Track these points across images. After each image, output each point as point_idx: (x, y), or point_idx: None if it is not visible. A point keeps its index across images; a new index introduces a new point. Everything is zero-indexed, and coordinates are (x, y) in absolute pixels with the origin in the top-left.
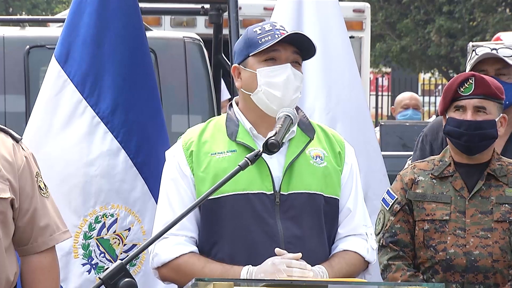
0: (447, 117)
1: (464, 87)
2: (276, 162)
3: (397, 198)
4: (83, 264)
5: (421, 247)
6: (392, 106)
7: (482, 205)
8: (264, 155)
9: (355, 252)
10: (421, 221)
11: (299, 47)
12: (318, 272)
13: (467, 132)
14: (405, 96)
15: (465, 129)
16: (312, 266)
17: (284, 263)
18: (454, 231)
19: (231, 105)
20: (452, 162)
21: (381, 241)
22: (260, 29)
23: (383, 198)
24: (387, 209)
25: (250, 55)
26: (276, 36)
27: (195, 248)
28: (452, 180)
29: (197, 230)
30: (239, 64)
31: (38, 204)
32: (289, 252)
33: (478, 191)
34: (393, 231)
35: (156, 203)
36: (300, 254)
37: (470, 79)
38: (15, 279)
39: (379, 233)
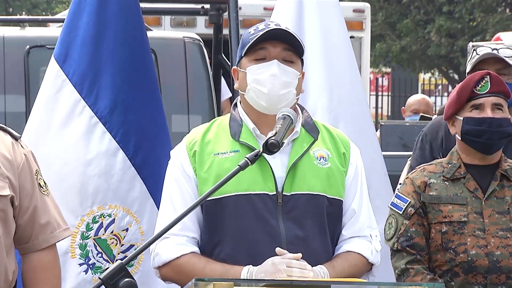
0: (461, 118)
1: (480, 85)
2: (279, 163)
3: (410, 202)
4: (80, 264)
5: (438, 250)
6: (403, 107)
7: (498, 206)
8: (267, 156)
9: (358, 253)
10: (438, 223)
11: (291, 44)
12: (319, 273)
13: (490, 129)
14: (416, 100)
15: (488, 126)
16: (314, 267)
17: (284, 263)
18: (473, 232)
19: (235, 105)
20: (462, 164)
21: (395, 246)
22: (254, 29)
23: (393, 202)
24: (400, 213)
25: (242, 56)
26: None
27: (196, 249)
28: (464, 182)
29: (199, 230)
30: (236, 66)
31: (38, 202)
32: (291, 253)
33: (493, 192)
34: (409, 234)
35: (155, 203)
36: (300, 254)
37: (485, 77)
38: (14, 278)
39: (391, 238)
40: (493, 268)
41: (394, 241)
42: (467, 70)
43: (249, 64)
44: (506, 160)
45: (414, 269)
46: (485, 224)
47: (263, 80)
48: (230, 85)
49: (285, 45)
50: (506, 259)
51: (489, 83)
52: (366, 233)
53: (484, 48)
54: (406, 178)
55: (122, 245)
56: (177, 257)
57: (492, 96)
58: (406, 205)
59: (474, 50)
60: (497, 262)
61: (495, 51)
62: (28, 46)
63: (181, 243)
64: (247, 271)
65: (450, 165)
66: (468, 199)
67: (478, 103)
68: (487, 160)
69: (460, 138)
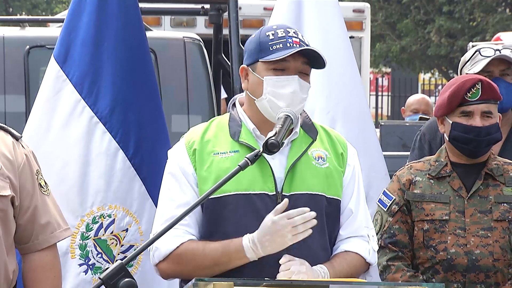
0: (450, 121)
1: (471, 92)
2: (278, 163)
3: (394, 199)
4: (80, 265)
5: (420, 247)
6: (403, 107)
7: (481, 205)
8: (266, 156)
9: (356, 253)
10: (420, 221)
11: (309, 57)
12: (320, 272)
13: (477, 138)
14: (415, 100)
15: (475, 135)
16: (314, 266)
17: (285, 217)
18: (454, 231)
19: (234, 105)
20: (448, 162)
21: (379, 242)
22: (273, 34)
23: (379, 199)
24: (385, 210)
25: (259, 60)
26: (288, 45)
27: (193, 236)
28: (449, 180)
29: (197, 228)
30: (248, 66)
31: (39, 202)
32: (291, 254)
33: (477, 191)
34: (392, 232)
35: (154, 203)
36: (286, 200)
37: (477, 84)
38: (15, 278)
39: (376, 234)
40: (472, 267)
41: (378, 237)
42: (470, 72)
43: (267, 73)
44: (495, 158)
45: (395, 266)
46: (466, 223)
47: (283, 95)
48: (230, 86)
49: (305, 58)
50: (485, 258)
51: (480, 90)
52: (363, 233)
53: (488, 50)
54: (394, 175)
55: (122, 245)
56: (177, 247)
57: (482, 104)
58: (390, 202)
59: (477, 51)
60: (476, 261)
61: (498, 52)
62: (28, 46)
63: (178, 235)
64: (248, 240)
65: (437, 163)
66: (452, 197)
67: (468, 110)
68: (473, 159)
69: (448, 139)
